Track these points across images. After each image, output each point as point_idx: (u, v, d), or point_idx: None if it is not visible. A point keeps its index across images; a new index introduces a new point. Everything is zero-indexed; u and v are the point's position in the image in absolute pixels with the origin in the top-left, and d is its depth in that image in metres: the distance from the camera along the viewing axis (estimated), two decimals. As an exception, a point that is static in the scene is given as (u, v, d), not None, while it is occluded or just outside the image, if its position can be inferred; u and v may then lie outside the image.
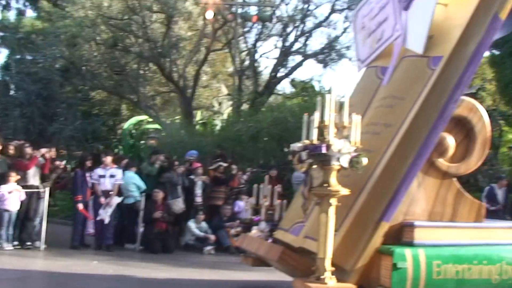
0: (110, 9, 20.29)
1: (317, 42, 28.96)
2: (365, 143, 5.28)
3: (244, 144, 16.29)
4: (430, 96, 5.51)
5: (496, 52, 19.94)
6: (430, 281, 5.40)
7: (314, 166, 5.24)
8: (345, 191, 5.20)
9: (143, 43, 21.00)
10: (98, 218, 11.44)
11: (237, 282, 8.95)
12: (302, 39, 22.99)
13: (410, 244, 5.51)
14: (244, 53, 23.89)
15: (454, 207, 5.85)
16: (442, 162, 5.79)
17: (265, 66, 25.15)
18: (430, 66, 5.66)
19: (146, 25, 20.40)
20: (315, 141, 5.17)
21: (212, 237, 12.28)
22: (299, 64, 23.27)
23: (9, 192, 10.60)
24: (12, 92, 22.52)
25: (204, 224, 12.52)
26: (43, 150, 11.51)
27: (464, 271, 5.50)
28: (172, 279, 9.13)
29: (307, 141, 5.23)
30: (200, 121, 22.02)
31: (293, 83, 26.67)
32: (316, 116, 5.21)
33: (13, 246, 10.71)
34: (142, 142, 19.41)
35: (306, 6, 22.51)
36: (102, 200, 11.47)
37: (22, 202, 10.80)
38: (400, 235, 5.61)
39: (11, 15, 27.77)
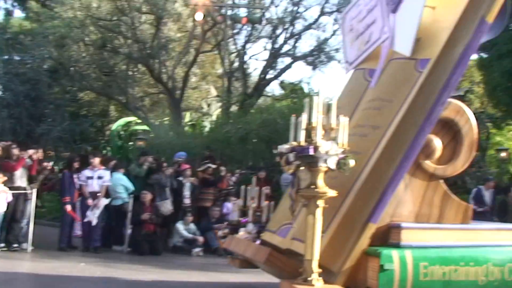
0: (99, 10, 20.26)
1: (306, 44, 29.16)
2: (352, 145, 5.29)
3: (233, 146, 16.28)
4: (417, 98, 5.54)
5: (484, 55, 20.09)
6: (417, 283, 5.41)
7: (302, 168, 5.25)
8: (332, 193, 5.21)
9: (132, 44, 20.96)
10: (85, 220, 11.38)
11: (225, 284, 8.94)
12: (291, 41, 23.08)
13: (397, 245, 5.53)
14: (233, 55, 23.91)
15: (441, 208, 5.87)
16: (429, 164, 5.81)
17: (255, 68, 25.24)
18: (417, 68, 5.69)
19: (135, 26, 20.37)
20: (303, 143, 5.17)
21: (201, 239, 12.26)
22: (288, 66, 23.34)
23: (-4, 193, 10.53)
24: (-1, 93, 22.43)
25: (192, 226, 12.50)
26: (30, 151, 11.44)
27: (451, 272, 5.52)
28: (160, 281, 9.10)
29: (294, 143, 5.23)
30: (189, 123, 21.98)
31: (282, 85, 26.70)
32: (304, 117, 5.21)
33: (0, 248, 10.64)
34: (130, 143, 19.35)
35: (295, 8, 22.59)
36: (90, 201, 11.41)
37: (9, 203, 10.70)
38: (387, 237, 5.63)
39: (-1, 15, 27.66)
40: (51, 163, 13.34)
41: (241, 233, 6.45)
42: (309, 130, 5.23)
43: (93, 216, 11.33)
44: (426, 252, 5.55)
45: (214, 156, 14.54)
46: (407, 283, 5.37)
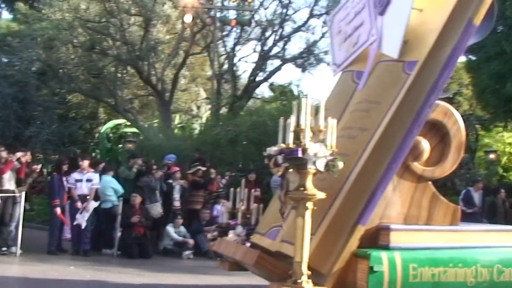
0: (88, 11, 20.19)
1: (295, 46, 29.05)
2: (341, 147, 5.31)
3: (222, 148, 16.27)
4: (405, 100, 5.56)
5: (473, 58, 20.19)
6: (406, 284, 5.43)
7: (290, 170, 5.25)
8: (321, 195, 5.22)
9: (121, 46, 20.89)
10: (75, 223, 11.33)
11: (216, 286, 8.94)
12: (280, 44, 23.07)
13: (386, 247, 5.54)
14: (222, 57, 23.90)
15: (430, 210, 5.90)
16: (417, 166, 5.84)
17: (244, 70, 25.12)
18: (405, 70, 5.71)
19: (124, 28, 20.29)
20: (291, 145, 5.18)
21: (191, 242, 12.24)
22: (278, 68, 23.35)
23: (-16, 197, 10.47)
24: (-13, 95, 22.24)
25: (182, 229, 12.47)
26: (19, 154, 11.37)
27: (440, 274, 5.55)
28: (150, 284, 9.08)
29: (283, 145, 5.24)
30: (179, 125, 21.95)
31: (271, 87, 26.73)
32: (292, 120, 5.22)
33: (-12, 251, 10.59)
34: (119, 146, 19.30)
35: (284, 10, 22.60)
36: (79, 204, 11.36)
37: (-3, 206, 10.67)
38: (376, 239, 5.64)
39: (-13, 17, 27.52)
40: (39, 166, 13.27)
41: (230, 235, 6.44)
42: (298, 132, 5.24)
43: (82, 219, 11.28)
44: (415, 254, 5.57)
45: (204, 158, 14.51)
46: (397, 285, 5.39)
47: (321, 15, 22.20)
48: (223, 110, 21.74)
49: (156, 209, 12.38)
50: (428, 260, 5.54)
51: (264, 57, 22.87)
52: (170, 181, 12.98)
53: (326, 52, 22.17)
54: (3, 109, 19.59)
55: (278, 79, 32.08)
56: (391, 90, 5.70)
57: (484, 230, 6.37)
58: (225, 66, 23.79)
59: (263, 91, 27.64)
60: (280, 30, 22.73)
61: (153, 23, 20.65)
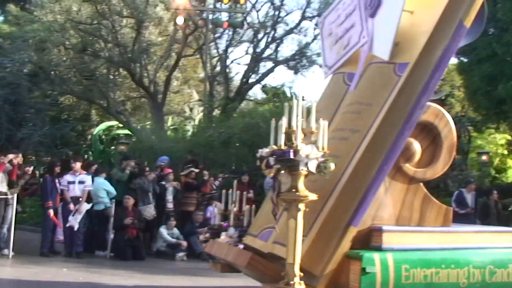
0: (80, 13, 20.16)
1: (288, 48, 29.20)
2: (332, 148, 5.31)
3: (215, 150, 16.29)
4: (396, 102, 5.56)
5: (465, 60, 20.28)
6: (399, 285, 5.44)
7: (282, 172, 5.25)
8: (313, 196, 5.22)
9: (113, 48, 20.86)
10: (67, 225, 11.33)
11: (208, 288, 8.96)
12: (273, 46, 23.14)
13: (379, 248, 5.55)
14: (215, 59, 23.93)
15: (421, 211, 5.91)
16: (408, 167, 5.85)
17: (236, 72, 25.21)
18: (396, 72, 5.72)
19: (116, 30, 20.28)
20: (283, 147, 5.18)
21: (184, 243, 12.25)
22: (270, 70, 23.39)
23: (-24, 199, 10.44)
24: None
25: (175, 230, 12.48)
26: (11, 156, 11.35)
27: (432, 275, 5.55)
28: (143, 286, 9.10)
29: (274, 147, 5.24)
30: (171, 127, 21.99)
31: (264, 89, 26.75)
32: (284, 121, 5.22)
33: (-19, 254, 10.56)
34: (112, 147, 19.29)
35: (277, 12, 22.66)
36: (72, 206, 11.36)
37: (-11, 209, 10.64)
38: (369, 240, 5.65)
39: (-22, 19, 27.36)
40: (31, 168, 13.24)
41: (223, 237, 6.44)
42: (289, 134, 5.25)
43: (75, 221, 11.28)
44: (408, 255, 5.58)
45: (197, 160, 14.53)
46: (389, 286, 5.39)
47: (313, 17, 22.24)
48: (216, 112, 21.76)
49: (149, 211, 12.39)
50: (420, 261, 5.55)
51: (257, 59, 22.90)
52: (163, 183, 12.98)
53: (318, 54, 22.20)
54: (-5, 111, 19.53)
55: (271, 81, 32.15)
56: (382, 91, 5.71)
57: (476, 231, 6.39)
58: (218, 68, 23.82)
59: (256, 93, 27.69)
60: (273, 32, 22.79)
61: (145, 25, 20.64)
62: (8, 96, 19.48)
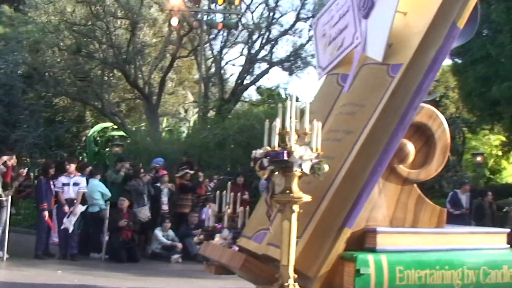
0: (74, 14, 20.15)
1: (282, 50, 29.18)
2: (326, 149, 5.30)
3: (210, 151, 16.28)
4: (390, 103, 5.56)
5: (459, 61, 20.32)
6: (393, 287, 5.43)
7: (276, 173, 5.24)
8: (307, 198, 5.21)
9: (107, 49, 20.85)
10: (62, 227, 11.30)
11: (204, 290, 8.94)
12: (267, 47, 23.19)
13: (373, 250, 5.54)
14: (210, 60, 23.93)
15: (415, 212, 5.91)
16: (402, 169, 5.84)
17: (231, 73, 25.29)
18: (390, 73, 5.71)
19: (110, 31, 20.27)
20: (277, 148, 5.17)
21: (179, 245, 12.23)
22: (265, 72, 23.43)
23: (-31, 202, 10.40)
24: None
25: (171, 232, 12.45)
26: (5, 158, 11.32)
27: (427, 276, 5.55)
28: (138, 288, 9.08)
29: (268, 148, 5.23)
30: (166, 128, 21.94)
31: (259, 90, 26.79)
32: (278, 122, 5.22)
33: (-25, 256, 10.51)
34: (107, 149, 19.24)
35: (271, 14, 22.70)
36: (66, 208, 11.33)
37: (-18, 211, 10.60)
38: (363, 241, 5.65)
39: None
40: (25, 170, 13.21)
41: (217, 239, 6.43)
42: (283, 135, 5.24)
43: (69, 224, 11.25)
44: (402, 256, 5.58)
45: (192, 161, 14.50)
46: (383, 287, 5.39)
47: (308, 18, 22.28)
48: (211, 113, 21.76)
49: (144, 212, 12.36)
50: (414, 263, 5.55)
51: (251, 60, 22.92)
52: (158, 184, 12.95)
53: (313, 56, 22.21)
54: (-11, 112, 19.48)
55: (266, 82, 32.20)
56: (375, 93, 5.71)
57: (470, 232, 6.39)
58: (213, 70, 23.83)
59: (251, 94, 27.72)
60: (267, 34, 22.83)
61: (139, 26, 20.64)
62: (2, 97, 19.45)
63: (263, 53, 23.23)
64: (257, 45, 23.06)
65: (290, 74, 23.77)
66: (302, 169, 5.12)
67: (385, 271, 5.41)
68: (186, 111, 23.51)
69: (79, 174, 11.86)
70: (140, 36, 21.05)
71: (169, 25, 20.86)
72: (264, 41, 22.90)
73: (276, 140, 5.19)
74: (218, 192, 7.06)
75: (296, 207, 5.18)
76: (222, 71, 23.88)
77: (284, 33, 22.97)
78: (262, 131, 5.42)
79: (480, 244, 6.11)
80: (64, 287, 8.77)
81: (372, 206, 5.70)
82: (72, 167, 11.73)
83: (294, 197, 5.16)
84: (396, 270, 5.45)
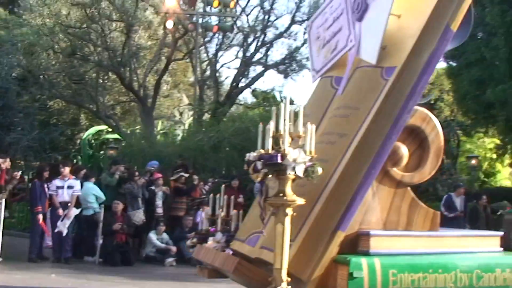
0: (69, 17, 20.14)
1: (278, 52, 29.14)
2: (320, 152, 5.29)
3: (205, 154, 16.27)
4: (384, 106, 5.54)
5: (453, 64, 20.40)
6: (386, 290, 5.42)
7: (270, 176, 5.23)
8: (301, 201, 5.20)
9: (102, 52, 20.84)
10: (56, 230, 11.27)
11: (198, 293, 8.92)
12: (263, 50, 23.20)
13: (366, 253, 5.53)
14: (205, 63, 23.93)
15: (409, 216, 5.89)
16: (396, 171, 5.83)
17: (226, 76, 25.21)
18: (383, 76, 5.70)
19: (105, 33, 20.26)
20: (270, 151, 5.16)
21: (174, 249, 12.21)
22: (260, 75, 23.45)
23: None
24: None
25: (165, 236, 12.44)
26: (-1, 160, 11.31)
27: (420, 279, 5.54)
28: (132, 291, 9.05)
29: (262, 151, 5.21)
30: (161, 131, 21.94)
31: (254, 93, 26.81)
32: (271, 125, 5.20)
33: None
34: (101, 152, 19.23)
35: (266, 17, 22.73)
36: (60, 211, 11.30)
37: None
38: (356, 244, 5.63)
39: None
40: (20, 173, 13.18)
41: (210, 242, 6.40)
42: (277, 138, 5.22)
43: (63, 227, 11.23)
44: (395, 260, 5.56)
45: (186, 164, 14.51)
46: (377, 291, 5.38)
47: (303, 21, 22.33)
48: (206, 116, 21.77)
49: (139, 216, 12.34)
50: (407, 266, 5.54)
51: (247, 63, 22.93)
52: (153, 187, 12.93)
53: (308, 58, 22.19)
54: (-16, 115, 19.44)
55: (261, 85, 32.21)
56: (369, 95, 5.69)
57: (463, 236, 6.38)
58: (208, 72, 23.83)
59: (246, 97, 27.75)
60: (262, 36, 22.86)
61: (134, 29, 20.63)
62: (-4, 100, 19.42)
63: (258, 56, 23.28)
64: (252, 48, 23.11)
65: (285, 77, 23.82)
66: (295, 172, 5.11)
67: (378, 274, 5.39)
68: (181, 114, 23.52)
69: (74, 177, 11.84)
70: (135, 39, 21.04)
71: (164, 27, 20.86)
72: (259, 44, 22.93)
73: (270, 143, 5.18)
74: (211, 195, 7.04)
75: (289, 210, 5.16)
76: (217, 74, 23.88)
77: (279, 36, 23.01)
78: (257, 134, 5.40)
79: (473, 247, 6.10)
80: (58, 290, 8.76)
81: (365, 209, 5.69)
82: (67, 170, 11.70)
83: (287, 200, 5.15)
84: (389, 273, 5.43)
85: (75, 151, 21.80)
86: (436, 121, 6.03)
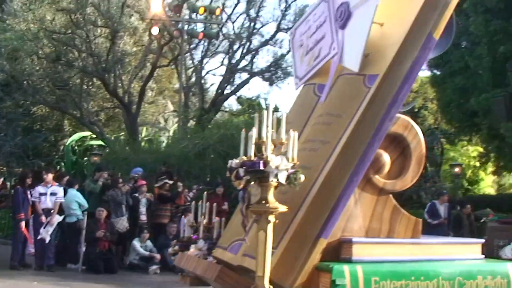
0: (53, 23, 20.04)
1: (263, 60, 29.20)
2: (302, 159, 5.27)
3: (190, 161, 16.24)
4: (366, 113, 5.54)
5: (438, 73, 20.56)
6: (369, 298, 5.42)
7: (252, 183, 5.20)
8: (283, 208, 5.18)
9: (86, 58, 20.77)
10: (38, 237, 11.18)
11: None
12: (248, 57, 23.28)
13: (349, 260, 5.52)
14: (190, 70, 23.93)
15: (391, 223, 5.88)
16: (378, 179, 5.82)
17: (212, 83, 25.23)
18: (366, 84, 5.70)
19: (90, 39, 20.19)
20: (253, 158, 5.14)
21: (158, 256, 12.14)
22: (246, 82, 23.50)
23: None
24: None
25: (149, 243, 12.37)
26: (-20, 167, 11.22)
27: (402, 287, 5.53)
28: (115, 299, 8.98)
29: (244, 158, 5.19)
30: (146, 138, 21.86)
31: (239, 100, 26.84)
32: (254, 132, 5.19)
33: None
34: (85, 158, 19.13)
35: (252, 24, 22.78)
36: (43, 218, 11.22)
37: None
38: (339, 252, 5.61)
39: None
40: (2, 179, 13.07)
41: (192, 250, 6.36)
42: (260, 145, 5.20)
43: (46, 234, 11.15)
44: (377, 267, 5.54)
45: (171, 171, 14.46)
46: (359, 298, 5.37)
47: (288, 29, 22.38)
48: (191, 123, 21.75)
49: (122, 223, 12.27)
50: (390, 273, 5.52)
51: (232, 70, 22.97)
52: (136, 194, 12.86)
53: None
54: (-34, 121, 19.30)
55: (246, 92, 32.22)
56: (352, 103, 5.68)
57: (445, 243, 6.39)
58: (193, 79, 23.84)
59: (231, 104, 27.77)
60: (248, 44, 22.92)
61: (119, 35, 20.59)
62: (-21, 105, 19.29)
63: (243, 63, 23.33)
64: (237, 55, 23.16)
65: (271, 84, 23.88)
66: (278, 179, 5.09)
67: (360, 282, 5.37)
68: (166, 120, 23.47)
69: (57, 183, 11.76)
70: (120, 45, 20.99)
71: (150, 34, 20.84)
72: (244, 51, 22.99)
73: (252, 150, 5.16)
74: (193, 202, 7.00)
75: (272, 218, 5.13)
76: (202, 81, 23.90)
77: (264, 43, 23.09)
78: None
79: (455, 254, 6.10)
80: (40, 298, 8.67)
81: (348, 216, 5.67)
82: (50, 176, 11.63)
83: (270, 207, 5.12)
84: (371, 280, 5.41)
85: (59, 158, 21.69)
86: (418, 129, 6.04)
